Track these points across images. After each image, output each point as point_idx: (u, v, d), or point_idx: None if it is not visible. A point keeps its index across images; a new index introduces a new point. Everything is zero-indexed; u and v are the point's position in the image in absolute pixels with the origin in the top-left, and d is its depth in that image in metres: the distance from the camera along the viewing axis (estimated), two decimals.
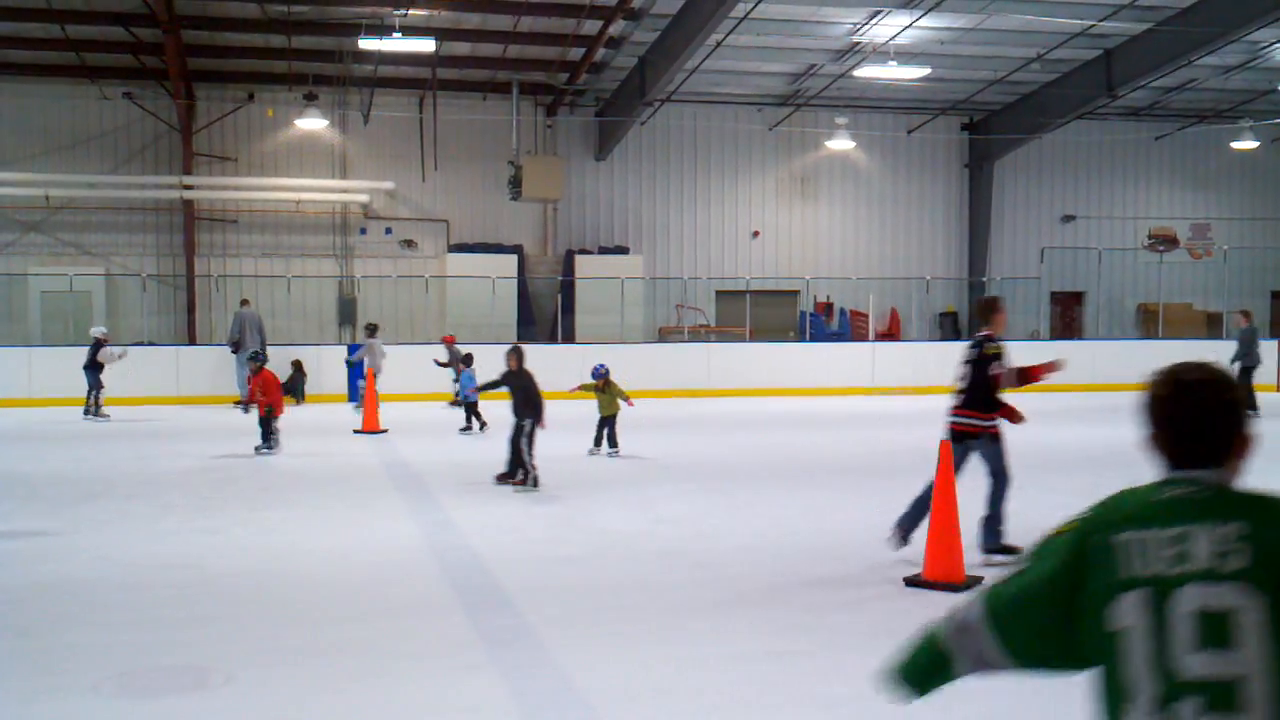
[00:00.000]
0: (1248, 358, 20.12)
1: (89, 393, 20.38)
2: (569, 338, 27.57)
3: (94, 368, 20.34)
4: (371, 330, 22.40)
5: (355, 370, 22.47)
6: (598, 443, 15.47)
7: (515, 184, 27.67)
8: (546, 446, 13.07)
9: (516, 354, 13.35)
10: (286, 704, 5.98)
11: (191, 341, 27.04)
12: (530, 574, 8.79)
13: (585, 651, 6.84)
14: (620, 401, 15.53)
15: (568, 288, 28.35)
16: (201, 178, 27.79)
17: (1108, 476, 4.65)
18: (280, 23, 24.25)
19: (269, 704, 5.97)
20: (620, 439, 15.50)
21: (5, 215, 27.43)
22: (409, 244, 29.28)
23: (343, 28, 24.23)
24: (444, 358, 21.53)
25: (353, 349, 24.22)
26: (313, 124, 27.56)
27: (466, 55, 26.82)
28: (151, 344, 25.64)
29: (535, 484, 12.52)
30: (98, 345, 20.47)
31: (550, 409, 13.23)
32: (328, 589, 8.36)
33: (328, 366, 24.22)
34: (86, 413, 20.32)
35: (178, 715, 5.83)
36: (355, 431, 18.28)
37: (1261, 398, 18.58)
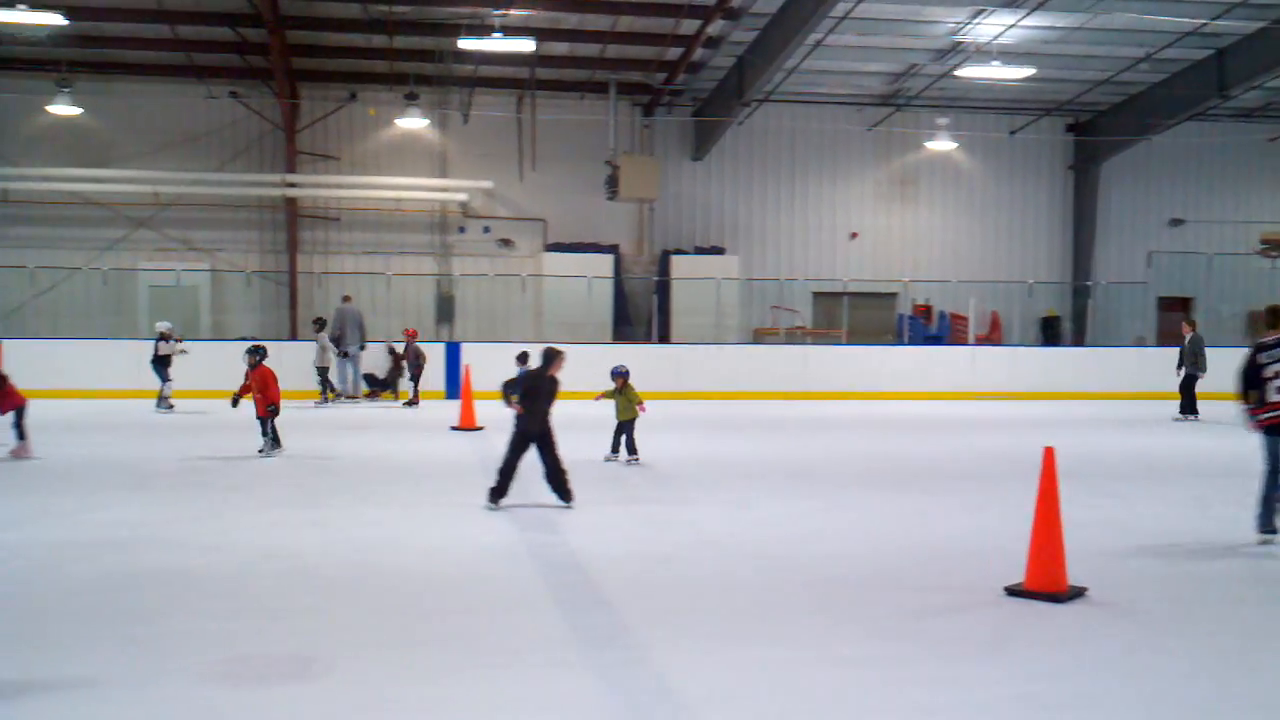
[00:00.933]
0: (1194, 366, 20.40)
1: (162, 385, 20.84)
2: (664, 338, 27.56)
3: (160, 362, 20.78)
4: (320, 325, 22.95)
5: (451, 366, 22.72)
6: (615, 449, 14.71)
7: (612, 184, 27.71)
8: (567, 450, 12.97)
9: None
10: (385, 695, 6.01)
11: (293, 337, 27.49)
12: (625, 572, 8.76)
13: (681, 651, 6.78)
14: (636, 406, 14.69)
15: (663, 288, 28.34)
16: (304, 176, 28.27)
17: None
18: (382, 23, 24.57)
19: (368, 694, 6.00)
20: (639, 443, 14.70)
21: (116, 211, 28.16)
22: (506, 243, 29.49)
23: (443, 28, 24.46)
24: (405, 353, 22.70)
25: (451, 348, 24.48)
26: (413, 123, 27.88)
27: (565, 55, 26.95)
28: (254, 339, 26.08)
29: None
30: (162, 339, 20.90)
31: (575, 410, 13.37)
32: (424, 582, 8.40)
33: (427, 363, 24.43)
34: (158, 406, 20.73)
35: (282, 703, 5.89)
36: (452, 428, 18.41)
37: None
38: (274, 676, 6.30)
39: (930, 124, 29.83)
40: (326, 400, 22.56)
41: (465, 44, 23.63)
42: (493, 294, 29.04)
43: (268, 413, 14.88)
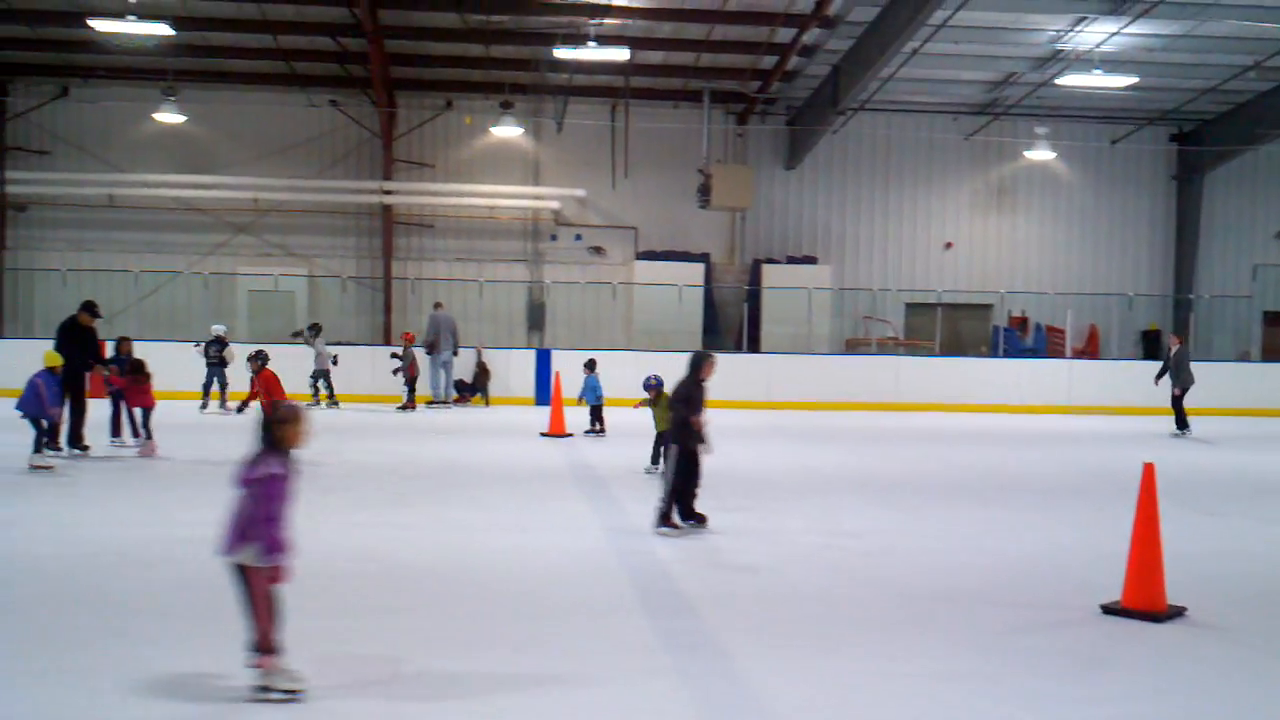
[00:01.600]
0: (1178, 380, 20.39)
1: (221, 389, 21.25)
2: (754, 347, 27.45)
3: (219, 364, 21.17)
4: (315, 330, 23.01)
5: (543, 373, 22.87)
6: (655, 460, 14.10)
7: (704, 192, 27.68)
8: (615, 456, 12.90)
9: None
10: (475, 698, 6.04)
11: (387, 342, 27.83)
12: (712, 581, 8.72)
13: (766, 661, 6.73)
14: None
15: (754, 297, 28.23)
16: (400, 183, 28.64)
17: None
18: (479, 32, 24.82)
19: (458, 697, 6.04)
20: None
21: (217, 217, 28.78)
22: (598, 250, 29.61)
23: (539, 37, 24.64)
24: (404, 357, 22.69)
25: (541, 355, 24.64)
26: (508, 131, 28.15)
27: (659, 64, 27.00)
28: (350, 344, 26.49)
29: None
30: (219, 343, 21.28)
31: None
32: (513, 587, 8.44)
33: (516, 369, 24.65)
34: (223, 406, 21.16)
35: (375, 703, 5.95)
36: (541, 434, 18.51)
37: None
38: (368, 677, 6.36)
39: (1028, 133, 29.39)
40: (318, 403, 22.53)
41: (561, 53, 23.76)
42: (583, 301, 29.18)
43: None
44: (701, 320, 28.21)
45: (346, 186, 28.64)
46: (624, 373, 24.49)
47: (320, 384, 22.65)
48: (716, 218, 29.52)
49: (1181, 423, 20.55)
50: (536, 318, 28.96)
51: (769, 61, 26.28)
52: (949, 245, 30.80)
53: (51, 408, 13.55)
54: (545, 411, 20.02)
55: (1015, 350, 28.21)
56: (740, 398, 24.42)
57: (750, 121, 29.64)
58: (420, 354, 23.37)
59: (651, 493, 12.84)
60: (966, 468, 16.10)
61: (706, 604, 8.01)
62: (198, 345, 21.62)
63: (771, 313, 28.22)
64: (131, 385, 15.17)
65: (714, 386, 24.10)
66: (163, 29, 22.90)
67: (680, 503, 10.70)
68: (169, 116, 27.19)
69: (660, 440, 13.78)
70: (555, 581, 8.61)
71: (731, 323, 28.74)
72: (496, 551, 9.63)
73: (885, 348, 28.00)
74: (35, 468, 13.33)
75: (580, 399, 18.87)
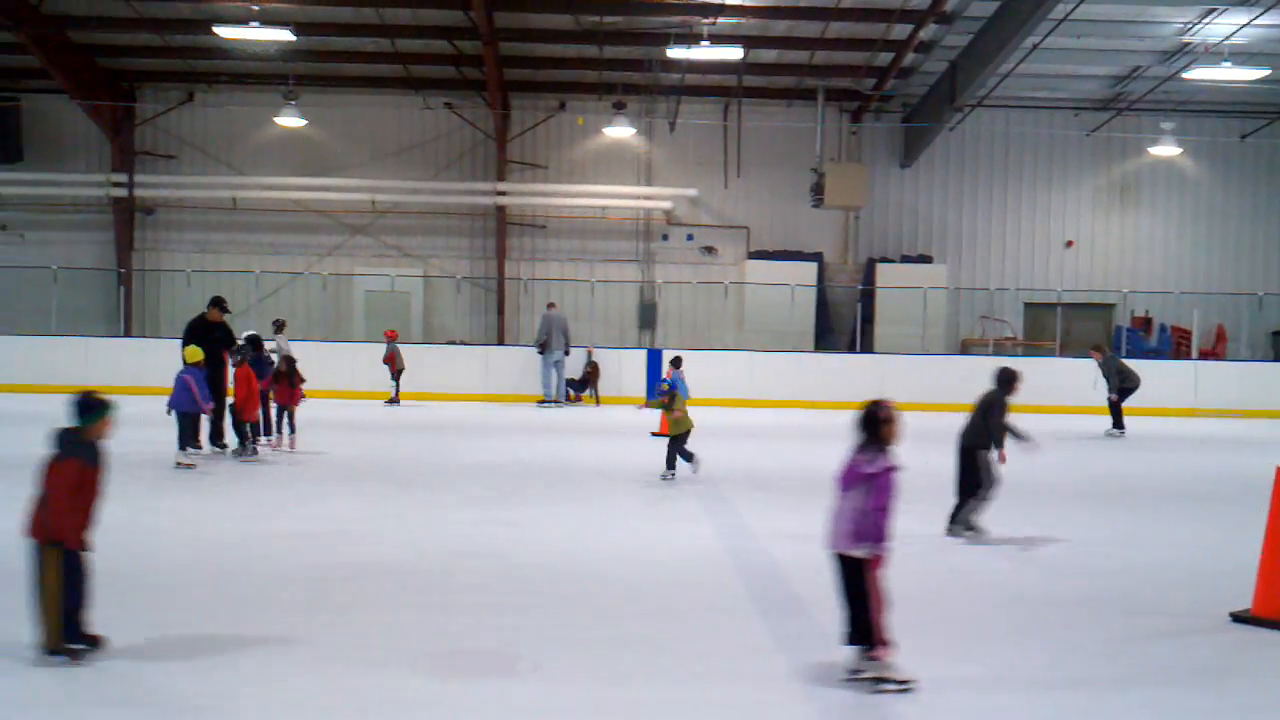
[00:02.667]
0: (1126, 381, 20.26)
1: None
2: (868, 348, 27.14)
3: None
4: (279, 326, 23.13)
5: (651, 372, 22.88)
6: (671, 464, 13.58)
7: (818, 191, 27.44)
8: (725, 456, 12.54)
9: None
10: (589, 695, 6.03)
11: (500, 342, 28.11)
12: (826, 583, 8.58)
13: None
14: (691, 418, 13.68)
15: (868, 296, 27.91)
16: (514, 184, 28.89)
17: None
18: (592, 33, 24.91)
19: (573, 694, 6.03)
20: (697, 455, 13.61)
21: (335, 219, 29.33)
22: (709, 250, 29.53)
23: (652, 37, 24.64)
24: (387, 355, 23.09)
25: (653, 355, 24.66)
26: (620, 132, 28.21)
27: (773, 62, 26.83)
28: (463, 344, 26.81)
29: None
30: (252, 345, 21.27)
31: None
32: (625, 585, 8.42)
33: (627, 369, 24.70)
34: None
35: (490, 698, 5.97)
36: (652, 434, 18.49)
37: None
38: (481, 671, 6.39)
39: (1154, 128, 28.60)
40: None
41: (673, 53, 23.74)
42: (695, 301, 29.13)
43: (252, 416, 14.65)
44: (814, 320, 27.98)
45: (461, 188, 28.97)
46: (736, 373, 24.50)
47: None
48: (830, 216, 29.24)
49: (1118, 422, 20.38)
50: (648, 317, 28.99)
51: (884, 58, 25.94)
52: (1070, 243, 30.10)
53: (205, 404, 13.81)
54: (656, 411, 20.01)
55: (1139, 351, 27.46)
56: (854, 398, 24.09)
57: (865, 119, 29.31)
58: (401, 351, 23.69)
59: (768, 497, 12.75)
60: (1087, 471, 15.70)
61: (821, 606, 7.88)
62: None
63: (886, 313, 27.86)
64: (282, 383, 15.47)
65: (827, 388, 24.01)
66: (284, 34, 23.40)
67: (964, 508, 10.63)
68: (290, 120, 27.78)
69: (674, 444, 13.37)
70: (666, 580, 8.58)
71: (845, 323, 28.45)
72: (608, 550, 9.63)
73: (1003, 348, 27.46)
74: (180, 465, 13.64)
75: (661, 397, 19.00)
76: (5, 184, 28.71)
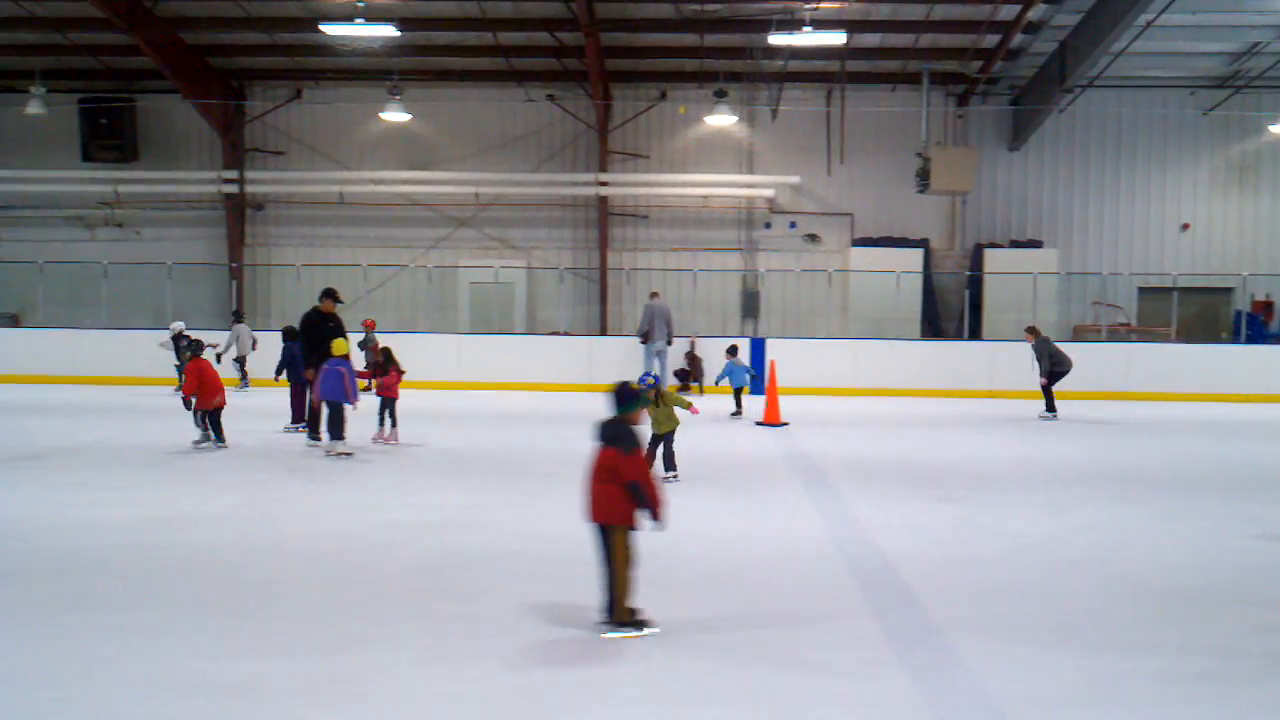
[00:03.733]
0: (1057, 365, 20.05)
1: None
2: (975, 334, 26.67)
3: (181, 360, 20.35)
4: (238, 316, 23.59)
5: (755, 362, 22.73)
6: (669, 465, 12.55)
7: (923, 176, 27.03)
8: (832, 446, 12.50)
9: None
10: (694, 685, 5.99)
11: (603, 332, 28.16)
12: (938, 574, 8.44)
13: (996, 657, 6.47)
14: (680, 412, 12.65)
15: (975, 283, 27.41)
16: (615, 175, 28.91)
17: None
18: (694, 22, 24.81)
19: (678, 684, 5.99)
20: (676, 460, 12.55)
21: (440, 212, 29.63)
22: (812, 238, 29.27)
23: (753, 24, 24.46)
24: (364, 342, 22.93)
25: (755, 344, 24.48)
26: (722, 120, 28.05)
27: (876, 46, 26.48)
28: (567, 334, 26.90)
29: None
30: (184, 338, 20.70)
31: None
32: (731, 574, 8.36)
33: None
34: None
35: (596, 685, 5.96)
36: (757, 423, 18.37)
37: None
38: (588, 660, 6.37)
39: (1275, 106, 27.65)
40: (246, 385, 23.29)
41: (775, 39, 23.53)
42: (798, 289, 28.90)
43: (210, 406, 14.65)
44: (920, 307, 27.58)
45: (563, 179, 29.08)
46: (839, 361, 24.24)
47: (243, 367, 23.59)
48: (936, 202, 28.79)
49: (1049, 405, 20.09)
50: (750, 306, 28.83)
51: (991, 40, 25.44)
52: (1186, 226, 29.25)
53: (355, 397, 14.10)
54: (760, 400, 19.89)
55: (1259, 336, 26.59)
56: (962, 386, 23.78)
57: (971, 102, 28.77)
58: (380, 339, 23.36)
59: (875, 487, 12.59)
60: (1204, 461, 15.21)
61: (929, 596, 7.76)
62: (164, 344, 22.08)
63: (994, 299, 27.35)
64: (381, 375, 15.66)
65: (934, 376, 23.70)
66: (389, 30, 23.68)
67: None
68: (394, 115, 28.11)
69: (656, 443, 12.34)
70: (773, 571, 8.49)
71: (952, 310, 27.99)
72: (715, 539, 9.57)
73: (1116, 334, 26.80)
74: (333, 454, 13.97)
75: (717, 383, 20.19)
76: (122, 183, 29.49)
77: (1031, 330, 20.74)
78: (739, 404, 19.75)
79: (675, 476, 12.31)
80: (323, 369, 14.11)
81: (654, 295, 24.71)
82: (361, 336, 23.33)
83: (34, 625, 6.85)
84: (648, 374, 12.28)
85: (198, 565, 8.46)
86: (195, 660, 6.26)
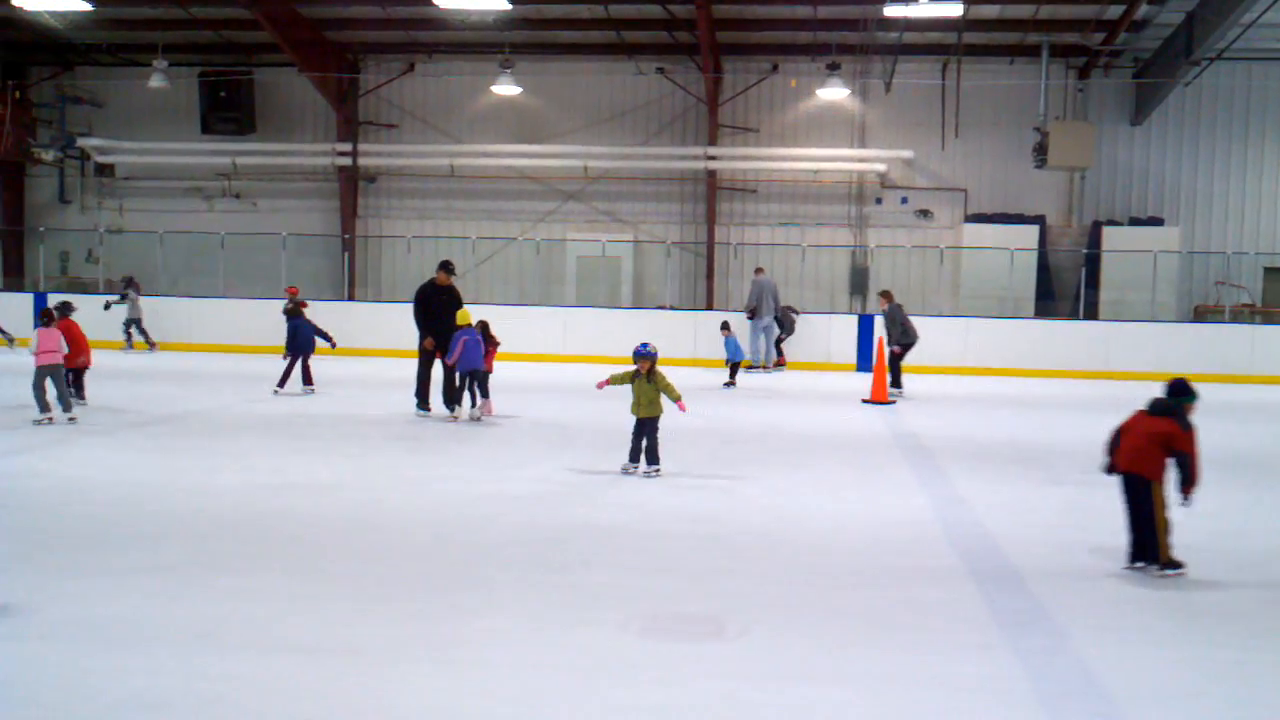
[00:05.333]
0: (905, 336, 19.43)
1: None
2: (1091, 314, 26.00)
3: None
4: (128, 283, 24.32)
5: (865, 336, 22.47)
6: (634, 457, 11.17)
7: (1040, 151, 26.38)
8: (939, 425, 12.08)
9: None
10: (796, 661, 5.93)
11: (709, 307, 28.03)
12: (1046, 557, 8.24)
13: (1108, 642, 6.30)
14: (665, 400, 11.22)
15: (1093, 261, 26.71)
16: (724, 148, 28.70)
17: None
18: None
19: (779, 660, 5.94)
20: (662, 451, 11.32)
21: (548, 185, 29.73)
22: (925, 214, 28.79)
23: None
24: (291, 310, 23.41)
25: (864, 320, 24.18)
26: (833, 94, 27.66)
27: (994, 18, 25.86)
28: (673, 308, 26.83)
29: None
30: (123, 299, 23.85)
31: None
32: (837, 552, 8.27)
33: (838, 335, 24.31)
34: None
35: (697, 661, 5.93)
36: (863, 401, 18.15)
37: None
38: (690, 634, 6.35)
39: None
40: (130, 348, 24.37)
41: (891, 11, 23.12)
42: (909, 266, 28.45)
43: (77, 365, 14.84)
44: (1035, 285, 26.95)
45: (672, 153, 28.96)
46: (951, 339, 23.84)
47: (134, 331, 24.46)
48: (1053, 178, 28.09)
49: (895, 381, 19.32)
50: (859, 283, 28.48)
51: (1114, 11, 24.69)
52: None
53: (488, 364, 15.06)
54: (867, 378, 19.65)
55: None
56: (1076, 367, 23.23)
57: (1092, 75, 27.98)
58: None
59: (985, 468, 12.37)
60: None
61: (1040, 581, 7.58)
62: (108, 307, 23.92)
63: (1112, 277, 26.62)
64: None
65: (1048, 355, 23.18)
66: (501, 3, 23.76)
67: None
68: (505, 88, 28.22)
69: (641, 429, 11.13)
70: (878, 550, 8.38)
71: (1068, 288, 27.32)
72: (820, 517, 9.48)
73: (1239, 315, 25.93)
74: (474, 418, 14.78)
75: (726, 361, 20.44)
76: (240, 155, 30.09)
77: (886, 295, 20.31)
78: (733, 377, 20.13)
79: (658, 471, 11.05)
80: (459, 340, 14.53)
81: (759, 271, 24.51)
82: (286, 303, 23.86)
83: (153, 585, 7.02)
84: (647, 344, 11.23)
85: (308, 532, 8.61)
86: (308, 624, 6.37)
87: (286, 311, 18.03)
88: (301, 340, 17.45)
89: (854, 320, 24.60)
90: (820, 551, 8.28)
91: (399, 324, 24.34)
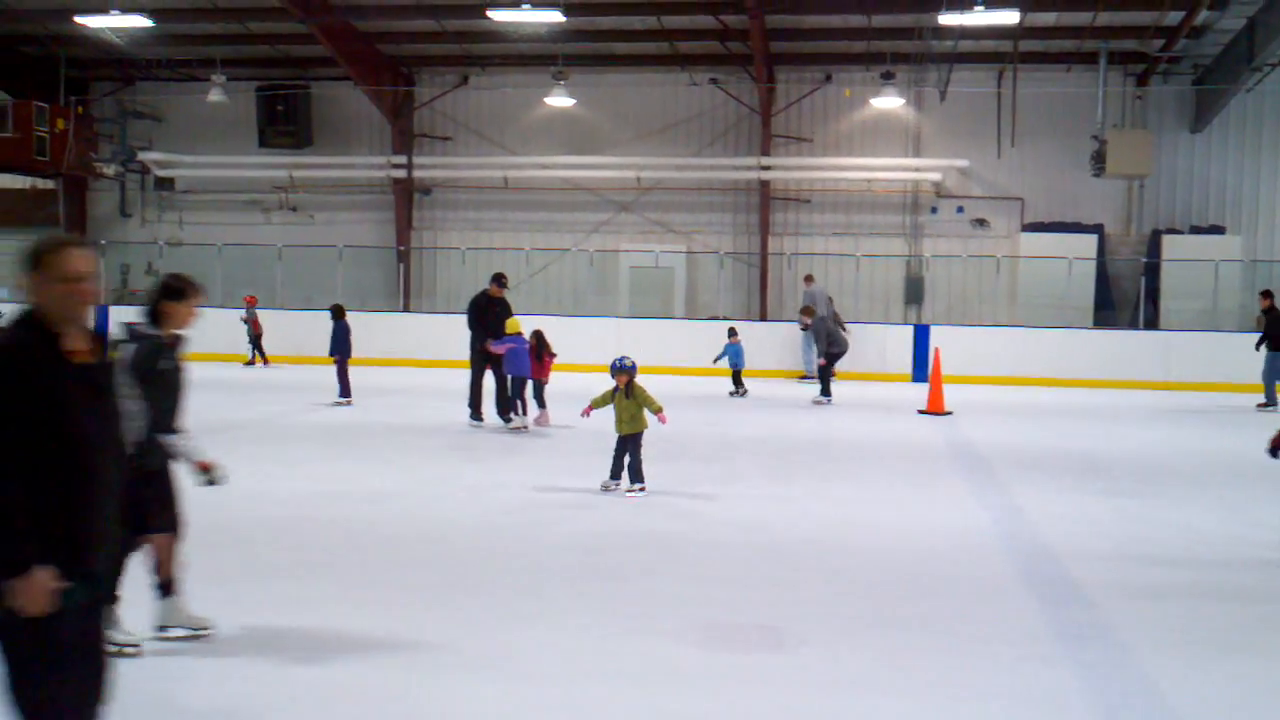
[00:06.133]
0: (833, 346, 19.55)
1: None
2: (1151, 324, 25.65)
3: None
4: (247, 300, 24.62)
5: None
6: (615, 474, 10.63)
7: (1098, 159, 26.07)
8: (997, 435, 11.98)
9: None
10: (855, 672, 5.89)
11: (762, 317, 27.94)
12: (1107, 570, 8.11)
13: (1171, 657, 6.19)
14: (648, 415, 10.72)
15: (1152, 270, 26.35)
16: (778, 158, 28.62)
17: None
18: (861, 2, 24.35)
19: (838, 671, 5.90)
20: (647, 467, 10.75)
21: (601, 196, 29.77)
22: (980, 223, 28.53)
23: (923, 3, 23.86)
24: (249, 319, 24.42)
25: (920, 330, 24.01)
26: (888, 103, 27.51)
27: (1051, 25, 25.59)
28: (726, 318, 26.76)
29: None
30: None
31: None
32: (892, 563, 8.20)
33: (892, 345, 24.14)
34: None
35: (754, 670, 5.90)
36: (919, 412, 18.00)
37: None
38: (746, 644, 6.32)
39: None
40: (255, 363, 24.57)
41: (946, 19, 22.93)
42: (964, 275, 28.20)
43: None
44: (1093, 295, 26.62)
45: (725, 163, 28.92)
46: (1007, 349, 23.61)
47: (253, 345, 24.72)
48: (1111, 186, 27.75)
49: (825, 390, 19.39)
50: (914, 292, 28.27)
51: (1174, 17, 24.34)
52: None
53: (541, 372, 15.24)
54: (923, 388, 19.49)
55: None
56: (1135, 377, 22.93)
57: (1151, 82, 27.62)
58: (259, 315, 24.99)
59: (1041, 478, 12.23)
60: None
61: (1101, 594, 7.45)
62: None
63: (1172, 287, 26.25)
64: (533, 358, 15.84)
65: (1106, 366, 22.84)
66: (555, 16, 23.84)
67: None
68: (559, 100, 28.31)
69: (623, 446, 10.63)
70: (934, 561, 8.30)
71: (1127, 298, 26.97)
72: (877, 527, 9.40)
73: None
74: (521, 428, 14.82)
75: (715, 363, 20.71)
76: (296, 168, 30.42)
77: (807, 310, 20.40)
78: (738, 383, 20.27)
79: (642, 489, 10.47)
80: (508, 348, 14.75)
81: (808, 280, 24.40)
82: (243, 312, 24.72)
83: (212, 593, 7.07)
84: (624, 358, 10.76)
85: (367, 539, 8.67)
86: (365, 631, 6.40)
87: (333, 312, 18.19)
88: (345, 343, 17.75)
89: (909, 330, 24.42)
90: (878, 562, 8.21)
91: (453, 335, 24.49)
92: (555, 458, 12.81)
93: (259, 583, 7.33)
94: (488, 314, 15.39)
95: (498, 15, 24.17)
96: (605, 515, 9.63)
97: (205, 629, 6.21)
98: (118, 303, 27.22)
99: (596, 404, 10.95)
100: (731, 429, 15.46)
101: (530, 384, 15.34)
